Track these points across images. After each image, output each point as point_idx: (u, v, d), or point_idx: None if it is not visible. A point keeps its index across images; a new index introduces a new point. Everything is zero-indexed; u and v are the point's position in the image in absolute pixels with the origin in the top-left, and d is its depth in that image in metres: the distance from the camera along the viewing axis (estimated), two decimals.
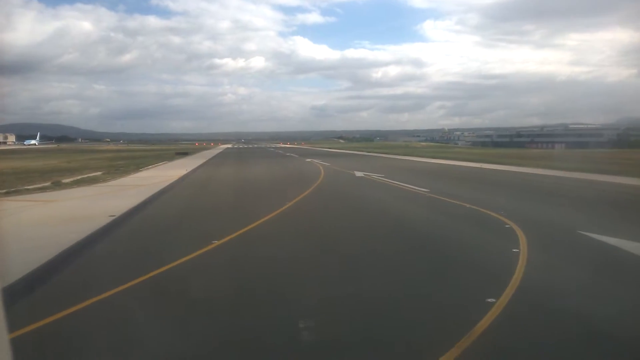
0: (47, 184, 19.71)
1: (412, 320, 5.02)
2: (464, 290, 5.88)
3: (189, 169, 28.67)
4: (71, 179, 21.66)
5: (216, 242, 8.39)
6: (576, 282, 6.24)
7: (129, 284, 6.04)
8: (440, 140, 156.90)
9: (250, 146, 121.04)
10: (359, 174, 23.73)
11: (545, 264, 7.01)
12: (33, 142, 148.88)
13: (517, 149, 79.74)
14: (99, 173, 25.61)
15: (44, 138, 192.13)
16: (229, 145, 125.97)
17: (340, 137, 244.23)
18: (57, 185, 19.07)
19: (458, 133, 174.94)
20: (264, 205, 12.77)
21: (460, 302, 5.48)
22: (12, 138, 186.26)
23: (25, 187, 18.18)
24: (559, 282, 6.19)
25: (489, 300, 5.25)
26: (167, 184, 19.55)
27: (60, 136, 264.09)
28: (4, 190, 17.04)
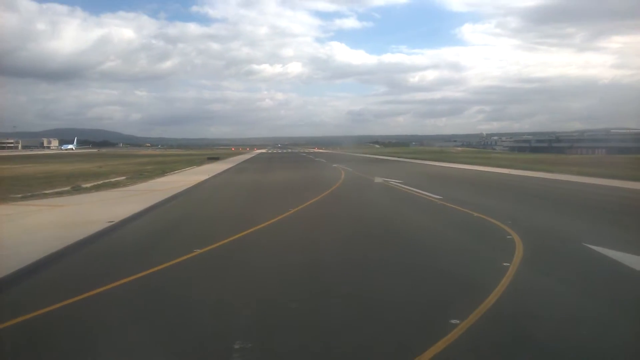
0: (67, 188, 19.95)
1: (365, 336, 4.66)
2: (432, 307, 5.44)
3: (211, 175, 28.73)
4: (92, 184, 21.90)
5: (197, 251, 8.16)
6: (558, 304, 5.67)
7: (85, 295, 5.86)
8: (478, 145, 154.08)
9: (284, 151, 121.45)
10: (378, 179, 23.23)
11: (532, 281, 6.46)
12: (70, 146, 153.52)
13: (554, 155, 77.34)
14: (122, 178, 25.90)
15: (82, 143, 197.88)
16: (264, 150, 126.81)
17: (376, 142, 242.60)
18: (76, 190, 19.27)
19: (495, 138, 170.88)
20: (267, 212, 12.49)
21: (423, 321, 5.05)
22: (55, 142, 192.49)
23: (44, 192, 18.42)
24: (538, 304, 5.64)
25: (453, 321, 4.81)
26: (182, 189, 19.57)
27: (101, 141, 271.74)
28: (21, 195, 17.31)
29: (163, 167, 37.81)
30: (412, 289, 6.23)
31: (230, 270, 7.31)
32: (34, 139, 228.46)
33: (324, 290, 6.24)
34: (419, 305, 5.57)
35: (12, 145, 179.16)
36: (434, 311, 5.33)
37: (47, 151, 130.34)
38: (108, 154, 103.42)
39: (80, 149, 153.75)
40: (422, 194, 16.70)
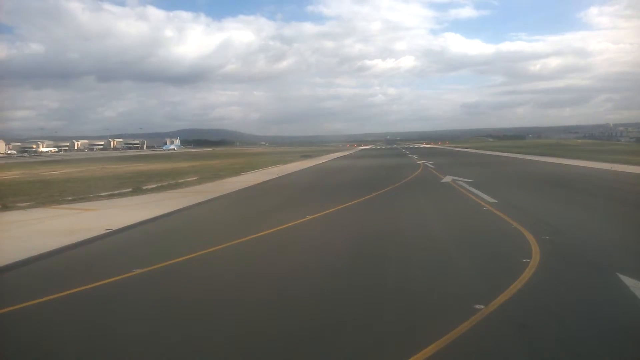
0: (128, 189, 20.18)
1: None
2: None
3: (280, 174, 28.02)
4: (156, 185, 22.08)
5: (137, 271, 7.12)
6: None
7: None
8: (601, 137, 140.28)
9: (385, 147, 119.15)
10: (447, 178, 21.11)
11: (496, 329, 4.58)
12: (172, 147, 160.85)
13: None
14: (193, 178, 26.06)
15: (186, 143, 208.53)
16: (367, 147, 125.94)
17: (489, 136, 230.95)
18: (135, 192, 19.37)
19: (621, 129, 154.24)
20: (275, 220, 11.27)
21: None
22: (176, 142, 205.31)
23: (99, 194, 18.65)
24: None
25: None
26: (232, 190, 19.18)
27: (219, 140, 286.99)
28: (71, 197, 17.60)
29: (247, 165, 38.15)
30: (337, 337, 4.65)
31: (143, 301, 6.15)
32: (159, 139, 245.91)
33: (275, 313, 4.93)
34: None
35: (137, 145, 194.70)
36: None
37: (158, 151, 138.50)
38: (219, 152, 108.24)
39: (183, 148, 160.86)
40: (478, 196, 14.53)
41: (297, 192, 19.46)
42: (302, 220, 11.33)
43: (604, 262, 6.97)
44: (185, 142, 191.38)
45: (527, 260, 6.99)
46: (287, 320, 5.19)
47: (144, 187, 20.81)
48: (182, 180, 24.30)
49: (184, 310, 5.64)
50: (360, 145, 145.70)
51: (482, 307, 5.15)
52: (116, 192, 19.39)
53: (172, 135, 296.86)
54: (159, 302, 5.96)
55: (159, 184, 22.33)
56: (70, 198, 17.41)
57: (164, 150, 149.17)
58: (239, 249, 8.66)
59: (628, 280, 5.87)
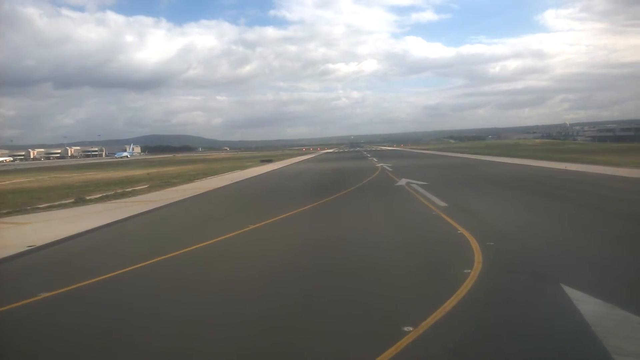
0: (70, 200, 19.18)
1: None
2: None
3: (234, 181, 27.20)
4: (102, 194, 21.11)
5: (43, 295, 6.38)
6: None
7: None
8: (558, 136, 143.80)
9: (348, 150, 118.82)
10: (402, 181, 20.80)
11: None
12: (125, 154, 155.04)
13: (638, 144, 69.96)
14: (143, 187, 25.06)
15: (146, 149, 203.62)
16: (330, 150, 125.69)
17: (451, 137, 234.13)
18: (77, 202, 18.38)
19: (578, 128, 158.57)
20: (220, 230, 10.53)
21: None
22: (137, 149, 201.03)
23: (37, 206, 17.58)
24: None
25: None
26: (179, 199, 18.37)
27: (182, 146, 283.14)
28: (7, 210, 16.51)
29: (203, 172, 37.20)
30: None
31: None
32: (120, 146, 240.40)
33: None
34: None
35: (96, 153, 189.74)
36: None
37: (116, 159, 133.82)
38: (179, 159, 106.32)
39: (140, 155, 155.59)
40: (430, 199, 14.21)
41: (247, 199, 18.81)
42: (243, 230, 10.67)
43: (548, 272, 6.51)
44: (147, 149, 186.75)
45: (468, 270, 6.54)
46: (202, 342, 4.63)
47: (88, 198, 19.76)
48: (130, 189, 23.32)
49: (83, 342, 4.97)
50: (324, 149, 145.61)
51: (411, 329, 4.65)
52: (57, 203, 18.35)
53: (133, 142, 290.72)
54: (56, 334, 5.24)
55: (105, 194, 21.35)
56: (6, 211, 16.33)
57: (116, 157, 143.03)
58: (166, 266, 7.96)
59: (571, 292, 5.46)
